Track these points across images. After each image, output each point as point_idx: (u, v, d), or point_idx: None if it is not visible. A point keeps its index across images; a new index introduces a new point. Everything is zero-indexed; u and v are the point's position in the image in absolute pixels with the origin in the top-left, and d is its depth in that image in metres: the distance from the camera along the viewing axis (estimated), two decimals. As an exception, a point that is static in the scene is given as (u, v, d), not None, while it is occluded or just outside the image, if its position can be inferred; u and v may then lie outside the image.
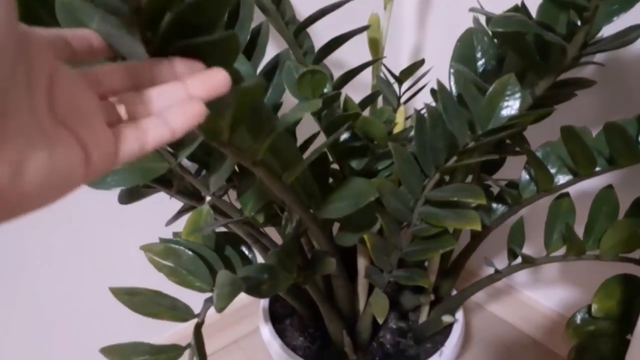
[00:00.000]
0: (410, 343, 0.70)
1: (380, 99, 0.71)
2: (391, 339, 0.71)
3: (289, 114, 0.41)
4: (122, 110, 0.24)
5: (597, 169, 0.54)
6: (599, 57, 0.71)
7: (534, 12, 0.48)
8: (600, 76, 0.68)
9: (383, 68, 0.70)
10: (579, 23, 0.44)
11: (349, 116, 0.51)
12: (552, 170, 0.58)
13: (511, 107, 0.46)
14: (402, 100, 0.67)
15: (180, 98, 0.25)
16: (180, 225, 0.58)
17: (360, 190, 0.45)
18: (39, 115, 0.20)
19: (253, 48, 0.56)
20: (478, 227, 0.44)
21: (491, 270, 0.65)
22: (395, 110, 0.65)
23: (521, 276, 1.00)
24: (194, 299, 0.52)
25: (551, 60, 0.48)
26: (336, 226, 0.60)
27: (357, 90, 0.67)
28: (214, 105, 0.26)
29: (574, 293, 0.92)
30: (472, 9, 0.47)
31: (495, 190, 0.66)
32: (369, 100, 0.66)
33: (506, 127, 0.43)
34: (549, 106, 0.57)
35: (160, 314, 0.47)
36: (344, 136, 0.60)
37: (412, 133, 0.56)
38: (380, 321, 0.53)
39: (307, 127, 0.64)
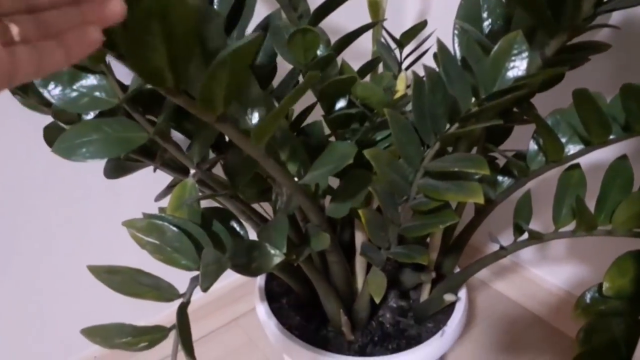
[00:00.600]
0: (411, 322, 0.68)
1: (380, 68, 0.67)
2: (391, 318, 0.68)
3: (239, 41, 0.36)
4: (15, 31, 0.24)
5: (612, 137, 0.50)
6: (614, 20, 0.66)
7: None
8: (616, 40, 0.64)
9: (384, 33, 0.66)
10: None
11: (344, 80, 0.47)
12: (563, 140, 0.54)
13: (518, 67, 0.42)
14: (404, 66, 0.63)
15: (76, 24, 0.25)
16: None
17: (342, 153, 0.41)
18: None
19: (241, 8, 0.52)
20: (481, 200, 0.41)
21: (496, 247, 0.62)
22: (395, 77, 0.61)
23: (527, 253, 0.97)
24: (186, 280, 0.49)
25: (563, 17, 0.43)
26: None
27: (356, 60, 0.63)
28: (137, 36, 0.25)
29: (582, 270, 0.88)
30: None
31: (501, 163, 0.62)
32: (369, 68, 0.62)
33: (513, 89, 0.39)
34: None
35: (142, 294, 0.45)
36: (340, 104, 0.56)
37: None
38: (377, 300, 0.50)
39: (303, 98, 0.60)
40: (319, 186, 0.56)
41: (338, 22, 0.69)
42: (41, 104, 0.49)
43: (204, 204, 0.57)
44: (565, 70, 0.42)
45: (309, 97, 0.57)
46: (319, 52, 0.54)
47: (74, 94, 0.46)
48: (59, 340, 0.78)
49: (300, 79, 0.52)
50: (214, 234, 0.54)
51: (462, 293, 0.69)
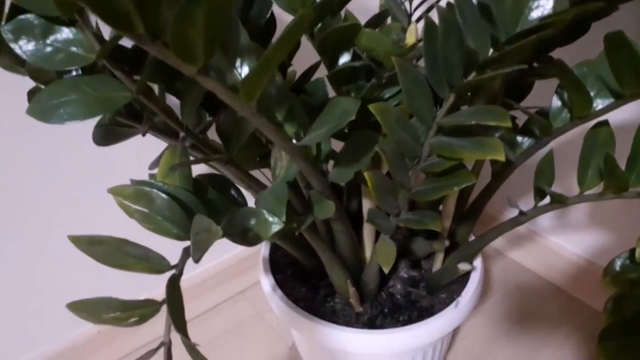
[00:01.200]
0: (423, 293, 0.64)
1: (389, 22, 0.61)
2: (402, 289, 0.65)
3: None
4: None
5: (648, 87, 0.45)
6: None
7: None
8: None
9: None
10: None
11: (346, 28, 0.42)
12: (591, 94, 0.49)
13: (543, 6, 0.37)
14: (414, 18, 0.58)
15: None
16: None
17: (343, 109, 0.37)
18: None
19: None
20: (502, 157, 0.36)
21: (514, 213, 0.57)
22: (404, 30, 0.56)
23: (545, 220, 0.92)
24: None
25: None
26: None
27: (363, 16, 0.58)
28: None
29: (605, 238, 0.84)
30: None
31: (520, 122, 0.57)
32: (377, 21, 0.57)
33: (538, 28, 0.34)
34: (587, 17, 0.47)
35: (130, 265, 0.41)
36: (344, 59, 0.51)
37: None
38: (386, 270, 0.46)
39: (305, 56, 0.56)
40: (321, 149, 0.51)
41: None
42: (16, 63, 0.45)
43: (202, 171, 0.53)
44: (600, 5, 0.37)
45: (312, 56, 0.52)
46: (318, -1, 0.49)
47: (48, 49, 0.41)
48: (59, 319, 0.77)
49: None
50: (210, 202, 0.50)
51: (478, 262, 0.65)
